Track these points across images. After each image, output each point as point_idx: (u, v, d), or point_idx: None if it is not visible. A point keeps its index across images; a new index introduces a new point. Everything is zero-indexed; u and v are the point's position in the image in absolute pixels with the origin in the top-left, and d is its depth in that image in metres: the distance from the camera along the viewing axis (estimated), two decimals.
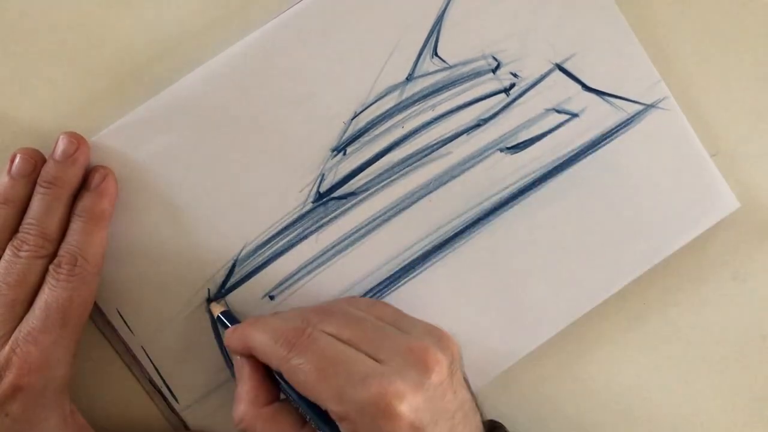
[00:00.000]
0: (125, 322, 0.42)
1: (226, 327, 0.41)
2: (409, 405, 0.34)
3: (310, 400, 0.36)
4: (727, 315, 0.47)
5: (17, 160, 0.39)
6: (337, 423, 0.35)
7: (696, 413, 0.47)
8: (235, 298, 0.43)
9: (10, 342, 0.37)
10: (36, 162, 0.40)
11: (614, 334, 0.46)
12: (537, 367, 0.45)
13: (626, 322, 0.46)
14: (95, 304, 0.41)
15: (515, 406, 0.46)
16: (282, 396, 0.39)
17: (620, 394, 0.46)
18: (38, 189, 0.39)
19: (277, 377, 0.39)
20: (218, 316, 0.42)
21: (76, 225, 0.39)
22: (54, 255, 0.39)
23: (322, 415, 0.37)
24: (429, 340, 0.37)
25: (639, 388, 0.47)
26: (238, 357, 0.40)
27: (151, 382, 0.43)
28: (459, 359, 0.38)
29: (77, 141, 0.40)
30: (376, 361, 0.36)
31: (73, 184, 0.40)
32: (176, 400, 0.43)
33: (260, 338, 0.38)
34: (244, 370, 0.39)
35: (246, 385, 0.39)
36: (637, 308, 0.46)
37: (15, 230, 0.39)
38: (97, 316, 0.42)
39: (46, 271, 0.38)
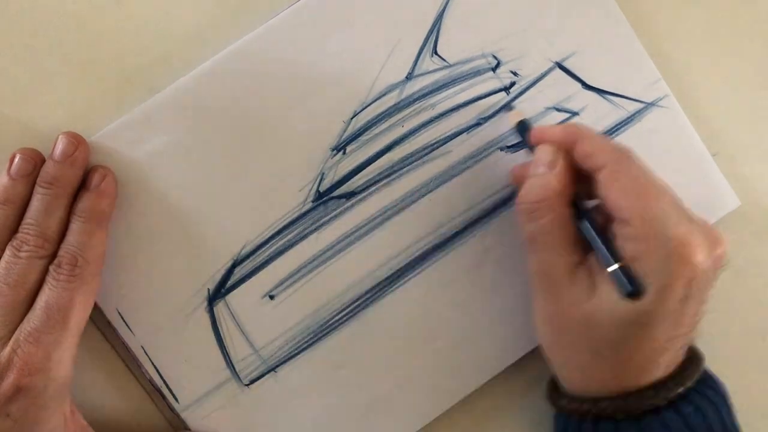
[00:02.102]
0: (125, 322, 0.42)
1: (525, 131, 0.42)
2: (701, 262, 0.36)
3: (608, 215, 0.38)
4: (727, 315, 0.47)
5: (17, 160, 0.39)
6: (625, 240, 0.37)
7: None
8: (235, 297, 0.43)
9: (11, 342, 0.37)
10: (36, 162, 0.40)
11: None
12: (538, 365, 0.45)
13: None
14: (95, 304, 0.41)
15: (513, 405, 0.46)
16: None
17: None
18: (38, 189, 0.39)
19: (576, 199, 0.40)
20: (519, 122, 0.43)
21: (75, 225, 0.39)
22: (54, 255, 0.39)
23: (606, 241, 0.38)
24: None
25: None
26: (553, 147, 0.40)
27: (151, 382, 0.43)
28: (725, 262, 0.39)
29: (76, 141, 0.40)
30: None
31: (73, 184, 0.40)
32: (176, 400, 0.43)
33: (591, 134, 0.39)
34: (559, 159, 0.39)
35: (560, 172, 0.39)
36: None
37: (15, 230, 0.39)
38: (97, 316, 0.42)
39: (46, 271, 0.38)
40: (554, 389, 0.42)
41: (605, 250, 0.38)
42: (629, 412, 0.38)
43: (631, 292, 0.37)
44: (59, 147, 0.40)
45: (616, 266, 0.37)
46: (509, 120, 0.43)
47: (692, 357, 0.40)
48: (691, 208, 0.44)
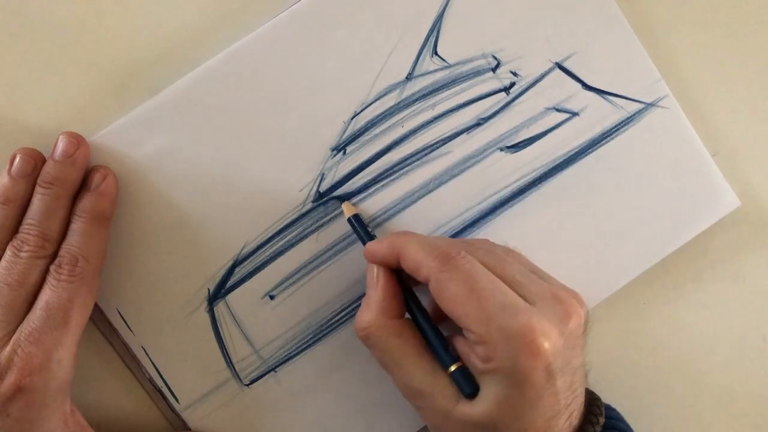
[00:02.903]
0: (125, 322, 0.42)
1: (356, 228, 0.42)
2: (551, 346, 0.35)
3: (437, 325, 0.38)
4: (727, 315, 0.47)
5: (17, 160, 0.39)
6: (473, 345, 0.36)
7: (696, 413, 0.47)
8: (235, 297, 0.43)
9: (11, 342, 0.37)
10: (36, 162, 0.40)
11: (613, 333, 0.46)
12: None
13: (626, 321, 0.46)
14: (95, 304, 0.41)
15: None
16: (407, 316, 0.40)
17: (620, 393, 0.46)
18: (38, 189, 0.39)
19: (406, 296, 0.40)
20: (350, 218, 0.42)
21: (76, 225, 0.39)
22: (54, 255, 0.39)
23: (443, 343, 0.38)
24: (568, 292, 0.38)
25: (638, 387, 0.47)
26: (375, 267, 0.40)
27: (151, 382, 0.43)
28: (587, 321, 0.39)
29: (77, 141, 0.40)
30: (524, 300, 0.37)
31: (73, 184, 0.40)
32: (176, 400, 0.43)
33: (414, 248, 0.38)
34: (379, 279, 0.39)
35: (379, 294, 0.39)
36: (637, 307, 0.46)
37: (15, 230, 0.39)
38: (98, 316, 0.42)
39: (46, 271, 0.38)
40: None
41: (440, 352, 0.38)
42: None
43: (471, 392, 0.37)
44: (60, 147, 0.40)
45: (453, 367, 0.37)
46: (345, 210, 0.43)
47: (591, 404, 0.39)
48: (690, 208, 0.44)
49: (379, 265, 0.40)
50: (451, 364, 0.37)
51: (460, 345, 0.38)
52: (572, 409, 0.38)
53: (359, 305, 0.43)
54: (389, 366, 0.39)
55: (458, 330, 0.38)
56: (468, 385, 0.37)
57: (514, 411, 0.36)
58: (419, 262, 0.38)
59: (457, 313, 0.36)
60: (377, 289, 0.39)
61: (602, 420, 0.39)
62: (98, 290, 0.40)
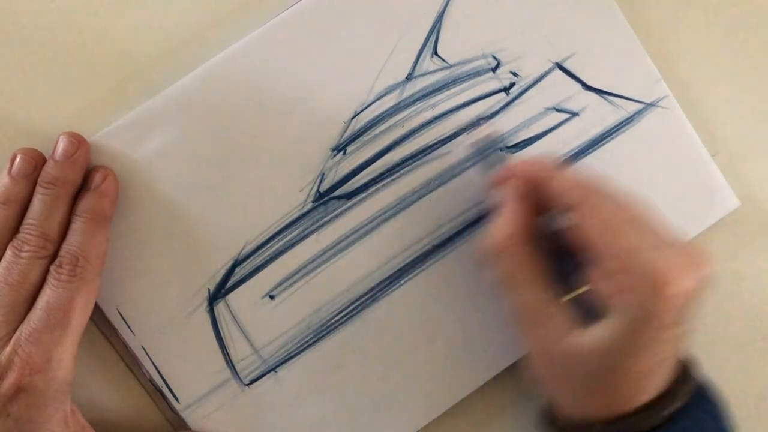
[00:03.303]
0: (125, 322, 0.42)
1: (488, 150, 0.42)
2: (685, 292, 0.35)
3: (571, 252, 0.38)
4: (727, 315, 0.47)
5: (17, 160, 0.39)
6: (605, 276, 0.36)
7: None
8: (235, 297, 0.43)
9: (11, 342, 0.37)
10: (36, 162, 0.40)
11: None
12: None
13: None
14: (95, 304, 0.41)
15: (515, 404, 0.46)
16: None
17: None
18: (38, 189, 0.39)
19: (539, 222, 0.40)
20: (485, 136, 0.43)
21: (76, 225, 0.39)
22: (55, 255, 0.39)
23: (569, 268, 0.38)
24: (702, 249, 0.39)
25: None
26: (517, 181, 0.40)
27: (152, 382, 0.43)
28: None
29: (77, 141, 0.40)
30: None
31: (74, 184, 0.40)
32: (176, 400, 0.43)
33: (562, 173, 0.39)
34: (520, 194, 0.40)
35: (522, 209, 0.39)
36: None
37: (16, 230, 0.39)
38: (98, 316, 0.42)
39: (47, 271, 0.38)
40: (545, 417, 0.42)
41: (567, 277, 0.38)
42: None
43: (587, 318, 0.37)
44: (60, 147, 0.40)
45: (574, 294, 0.38)
46: (479, 134, 0.43)
47: (685, 371, 0.40)
48: (689, 208, 0.44)
49: (520, 182, 0.40)
50: (575, 290, 0.38)
51: (585, 274, 0.38)
52: (671, 362, 0.38)
53: (359, 305, 0.43)
54: (511, 285, 0.39)
55: (582, 262, 0.38)
56: (587, 311, 0.37)
57: (628, 347, 0.36)
58: (566, 186, 0.38)
59: (599, 241, 0.37)
60: (520, 204, 0.39)
61: (696, 380, 0.39)
62: (99, 290, 0.40)
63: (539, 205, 0.40)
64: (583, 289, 0.38)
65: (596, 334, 0.36)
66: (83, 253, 0.38)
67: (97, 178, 0.40)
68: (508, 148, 0.44)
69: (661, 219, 0.38)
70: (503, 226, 0.39)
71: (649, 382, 0.38)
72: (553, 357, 0.39)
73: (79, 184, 0.40)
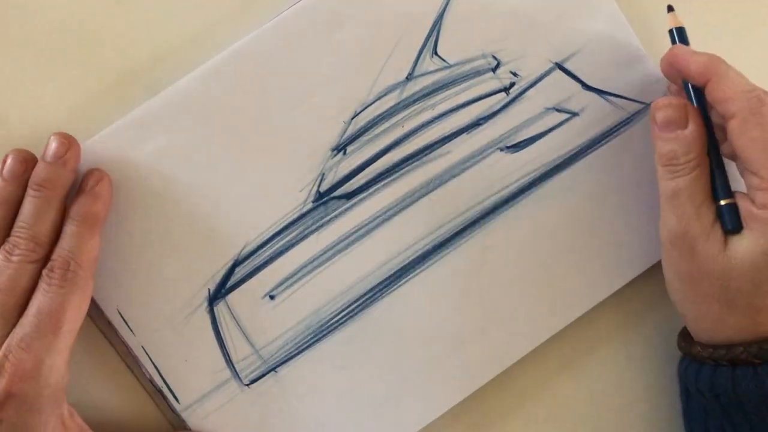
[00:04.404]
0: (125, 322, 0.42)
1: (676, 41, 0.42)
2: None
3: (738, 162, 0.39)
4: None
5: (9, 161, 0.39)
6: (757, 190, 0.37)
7: None
8: (235, 297, 0.43)
9: (2, 349, 0.36)
10: (28, 163, 0.39)
11: (614, 334, 0.46)
12: (535, 367, 0.45)
13: (626, 321, 0.46)
14: (95, 304, 0.41)
15: (515, 405, 0.46)
16: None
17: (620, 394, 0.46)
18: (29, 192, 0.39)
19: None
20: (674, 29, 0.42)
21: (69, 229, 0.39)
22: (47, 259, 0.38)
23: (724, 176, 0.39)
24: None
25: (639, 388, 0.47)
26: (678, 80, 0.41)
27: (152, 382, 0.43)
28: None
29: (68, 142, 0.39)
30: None
31: (65, 186, 0.39)
32: (176, 400, 0.43)
33: (735, 77, 0.38)
34: (698, 114, 0.39)
35: (702, 126, 0.39)
36: (637, 308, 0.46)
37: (8, 233, 0.39)
38: (97, 316, 0.42)
39: (38, 275, 0.38)
40: (685, 338, 0.42)
41: (721, 184, 0.39)
42: (766, 357, 0.38)
43: (732, 228, 0.38)
44: (51, 148, 0.39)
45: (725, 201, 0.38)
46: (671, 21, 0.42)
47: None
48: None
49: (677, 79, 0.40)
50: (726, 198, 0.38)
51: (743, 181, 0.39)
52: None
53: (359, 305, 0.43)
54: (685, 200, 0.39)
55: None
56: (734, 220, 0.38)
57: None
58: (732, 92, 0.38)
59: (753, 157, 0.37)
60: (700, 117, 0.39)
61: None
62: (91, 294, 0.39)
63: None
64: (731, 199, 0.38)
65: (750, 252, 0.37)
66: (75, 257, 0.38)
67: (90, 180, 0.40)
68: (508, 148, 0.44)
69: None
70: (697, 138, 0.39)
71: None
72: (704, 276, 0.38)
73: (71, 186, 0.40)
